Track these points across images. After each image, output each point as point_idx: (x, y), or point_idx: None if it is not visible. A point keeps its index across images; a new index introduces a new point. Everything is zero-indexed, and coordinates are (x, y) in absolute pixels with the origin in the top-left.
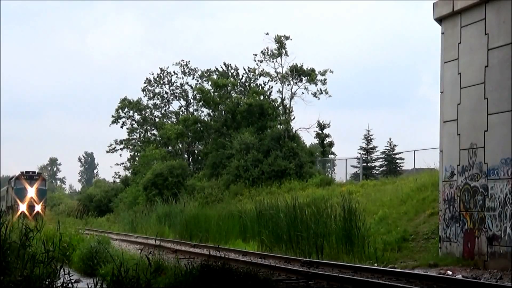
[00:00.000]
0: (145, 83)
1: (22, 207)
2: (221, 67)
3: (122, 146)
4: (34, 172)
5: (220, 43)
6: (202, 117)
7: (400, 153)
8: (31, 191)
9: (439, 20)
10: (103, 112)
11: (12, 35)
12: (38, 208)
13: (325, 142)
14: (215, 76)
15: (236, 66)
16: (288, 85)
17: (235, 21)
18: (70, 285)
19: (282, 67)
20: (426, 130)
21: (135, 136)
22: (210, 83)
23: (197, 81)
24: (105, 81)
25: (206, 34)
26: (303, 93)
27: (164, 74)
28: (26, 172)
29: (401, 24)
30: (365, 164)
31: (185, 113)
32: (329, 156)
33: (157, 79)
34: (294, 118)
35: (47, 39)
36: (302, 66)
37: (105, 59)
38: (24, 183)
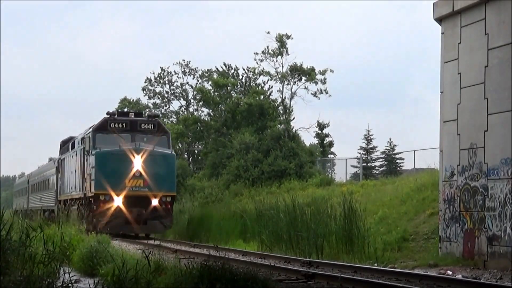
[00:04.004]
0: (145, 82)
1: (118, 201)
2: (221, 67)
3: None
4: (140, 113)
5: (220, 43)
6: (202, 117)
7: (400, 153)
8: (137, 161)
9: (439, 20)
10: (102, 112)
11: (11, 36)
12: (154, 202)
13: (325, 142)
14: (215, 76)
15: (236, 66)
16: (288, 84)
17: (236, 21)
18: (70, 285)
19: (282, 66)
20: (426, 130)
21: None
22: (210, 83)
23: (198, 81)
24: (105, 81)
25: (206, 34)
26: (306, 89)
27: (165, 74)
28: (121, 113)
29: (401, 24)
30: (365, 164)
31: (185, 113)
32: (329, 156)
33: (158, 78)
34: (294, 119)
35: (47, 39)
36: (302, 65)
37: (104, 59)
38: (119, 141)
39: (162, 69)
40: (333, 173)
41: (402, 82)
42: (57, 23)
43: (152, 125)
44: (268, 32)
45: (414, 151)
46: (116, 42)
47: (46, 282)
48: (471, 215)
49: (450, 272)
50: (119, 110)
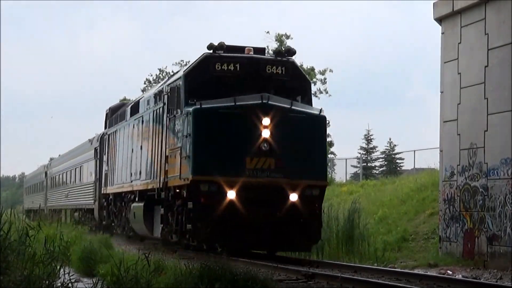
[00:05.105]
0: (144, 83)
1: (231, 194)
2: None
3: None
4: (263, 48)
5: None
6: None
7: (400, 153)
8: (265, 127)
9: (439, 20)
10: (103, 112)
11: (10, 36)
12: (293, 197)
13: None
14: None
15: None
16: None
17: (235, 21)
18: (70, 285)
19: None
20: (426, 130)
21: None
22: None
23: None
24: (105, 81)
25: (206, 34)
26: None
27: (164, 75)
28: (231, 48)
29: (401, 24)
30: (365, 164)
31: None
32: (329, 156)
33: (157, 79)
34: None
35: (46, 39)
36: (301, 65)
37: (103, 60)
38: (232, 93)
39: (160, 70)
40: (333, 173)
41: (402, 82)
42: (56, 24)
43: (284, 69)
44: (268, 32)
45: (414, 151)
46: (115, 43)
47: (46, 282)
48: (471, 215)
49: (450, 272)
50: (229, 45)
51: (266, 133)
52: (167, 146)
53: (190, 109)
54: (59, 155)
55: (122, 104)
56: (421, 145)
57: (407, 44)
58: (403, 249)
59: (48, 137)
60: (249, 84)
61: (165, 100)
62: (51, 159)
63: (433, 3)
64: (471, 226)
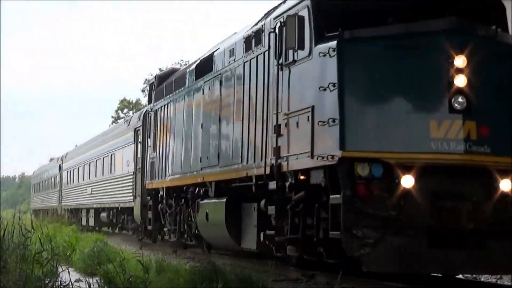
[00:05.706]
0: (144, 83)
1: (406, 181)
2: None
3: None
4: None
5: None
6: None
7: None
8: (459, 70)
9: None
10: (102, 112)
11: (10, 35)
12: (504, 185)
13: None
14: None
15: None
16: None
17: (235, 20)
18: (70, 285)
19: None
20: None
21: None
22: None
23: None
24: (104, 82)
25: (205, 34)
26: None
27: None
28: None
29: None
30: None
31: None
32: None
33: None
34: None
35: (45, 40)
36: None
37: (103, 59)
38: (392, 20)
39: (160, 70)
40: None
41: None
42: (56, 23)
43: None
44: None
45: None
46: (114, 43)
47: (46, 282)
48: None
49: None
50: None
51: (460, 81)
52: (279, 110)
53: (333, 43)
54: (76, 146)
55: (173, 70)
56: None
57: None
58: None
59: (48, 137)
60: (418, 7)
61: (271, 43)
62: (51, 159)
63: None
64: None
